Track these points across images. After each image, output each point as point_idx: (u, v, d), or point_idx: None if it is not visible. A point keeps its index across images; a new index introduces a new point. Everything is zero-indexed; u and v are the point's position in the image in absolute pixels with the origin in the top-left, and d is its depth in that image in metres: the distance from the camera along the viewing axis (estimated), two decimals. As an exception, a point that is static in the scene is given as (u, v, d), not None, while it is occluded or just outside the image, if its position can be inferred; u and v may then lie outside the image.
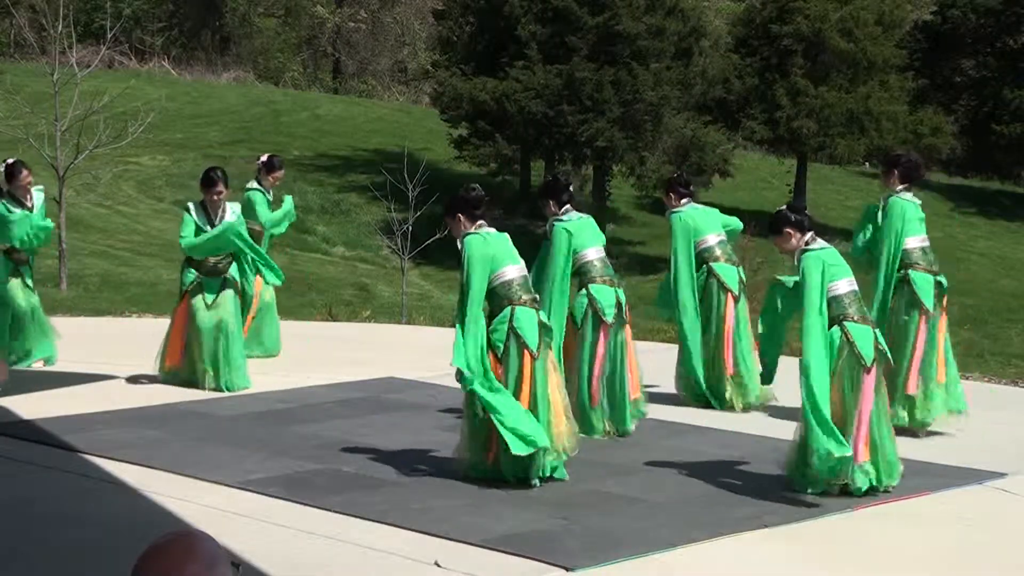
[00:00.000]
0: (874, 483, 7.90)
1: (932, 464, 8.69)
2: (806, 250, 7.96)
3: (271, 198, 12.11)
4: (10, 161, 11.59)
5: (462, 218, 8.13)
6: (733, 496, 7.86)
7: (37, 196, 11.46)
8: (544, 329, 8.11)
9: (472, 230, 8.11)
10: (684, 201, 10.55)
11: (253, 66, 43.99)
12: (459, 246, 8.11)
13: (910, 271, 9.62)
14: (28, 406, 9.89)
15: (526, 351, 7.95)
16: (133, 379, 10.98)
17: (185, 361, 10.78)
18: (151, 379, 10.91)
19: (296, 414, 9.84)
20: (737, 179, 31.71)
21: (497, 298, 8.05)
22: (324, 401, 10.32)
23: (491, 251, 8.04)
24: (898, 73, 32.91)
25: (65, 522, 7.17)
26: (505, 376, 7.94)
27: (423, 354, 12.26)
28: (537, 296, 8.27)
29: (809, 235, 8.02)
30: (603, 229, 10.24)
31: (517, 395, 7.92)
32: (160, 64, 40.55)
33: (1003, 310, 26.47)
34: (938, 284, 9.74)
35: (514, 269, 8.10)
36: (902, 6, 33.75)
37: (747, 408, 10.29)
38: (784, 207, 8.21)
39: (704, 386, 10.35)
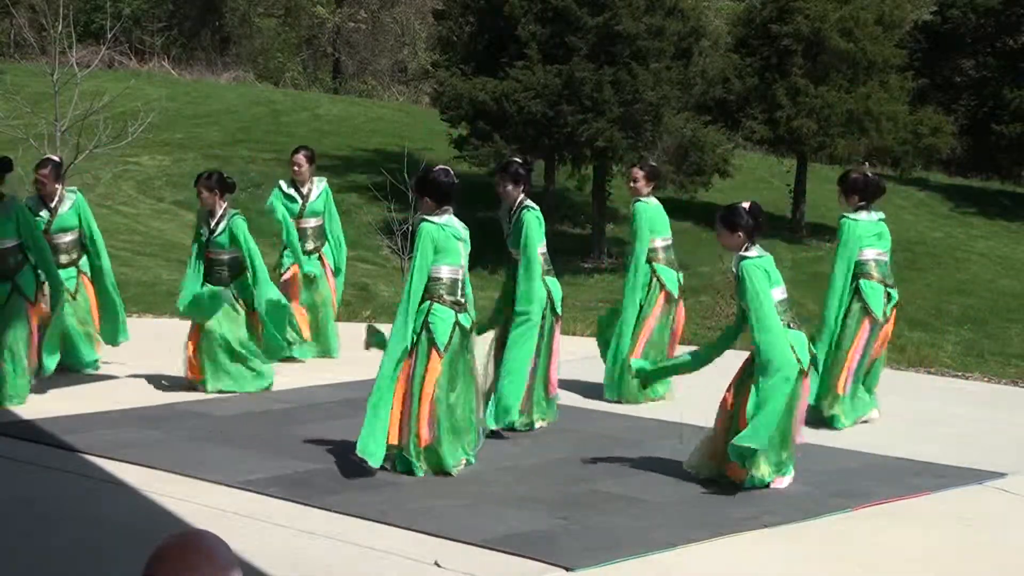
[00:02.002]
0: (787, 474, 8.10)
1: (932, 464, 8.69)
2: (745, 257, 8.00)
3: (305, 190, 12.16)
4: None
5: (429, 202, 8.24)
6: (733, 496, 7.86)
7: (68, 198, 10.99)
8: (462, 332, 8.24)
9: (435, 215, 8.19)
10: (648, 192, 10.71)
11: (253, 66, 43.95)
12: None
13: (861, 280, 9.87)
14: (28, 406, 9.90)
15: (434, 349, 8.12)
16: (133, 379, 10.98)
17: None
18: (151, 379, 10.92)
19: (296, 414, 9.85)
20: (737, 179, 31.71)
21: (425, 292, 8.19)
22: (324, 401, 10.32)
23: (440, 244, 8.17)
24: (898, 73, 32.88)
25: (65, 522, 7.17)
26: (412, 368, 8.13)
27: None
28: (463, 301, 8.33)
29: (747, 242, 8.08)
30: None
31: (419, 389, 8.10)
32: (160, 64, 40.51)
33: (1003, 310, 26.46)
34: (887, 295, 10.00)
35: (448, 269, 8.23)
36: (902, 6, 33.71)
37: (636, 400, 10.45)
38: (744, 204, 8.19)
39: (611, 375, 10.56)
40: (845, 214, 9.96)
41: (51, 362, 10.34)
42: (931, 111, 34.96)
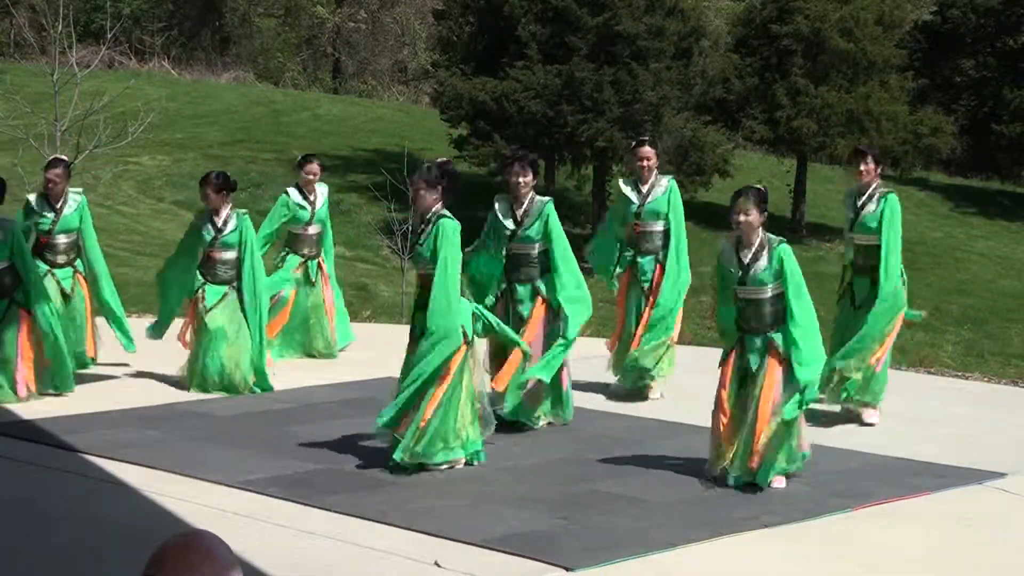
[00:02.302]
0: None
1: (932, 464, 8.69)
2: (783, 241, 8.01)
3: (312, 198, 12.13)
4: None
5: (442, 192, 8.24)
6: (733, 496, 7.85)
7: (73, 200, 11.02)
8: (476, 320, 8.40)
9: (442, 208, 8.21)
10: None
11: (253, 66, 43.95)
12: (432, 220, 8.22)
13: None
14: (28, 406, 9.90)
15: (463, 338, 8.19)
16: (133, 379, 10.98)
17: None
18: (151, 379, 10.92)
19: (296, 414, 9.84)
20: (737, 179, 31.72)
21: None
22: (324, 401, 10.32)
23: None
24: (898, 73, 32.88)
25: (65, 522, 7.17)
26: None
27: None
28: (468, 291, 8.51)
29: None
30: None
31: (441, 377, 8.14)
32: (160, 64, 40.51)
33: (1003, 310, 26.47)
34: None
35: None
36: (902, 6, 33.71)
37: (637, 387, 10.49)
38: (762, 187, 8.18)
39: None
40: (892, 192, 9.77)
41: (69, 385, 10.39)
42: (931, 111, 34.96)
